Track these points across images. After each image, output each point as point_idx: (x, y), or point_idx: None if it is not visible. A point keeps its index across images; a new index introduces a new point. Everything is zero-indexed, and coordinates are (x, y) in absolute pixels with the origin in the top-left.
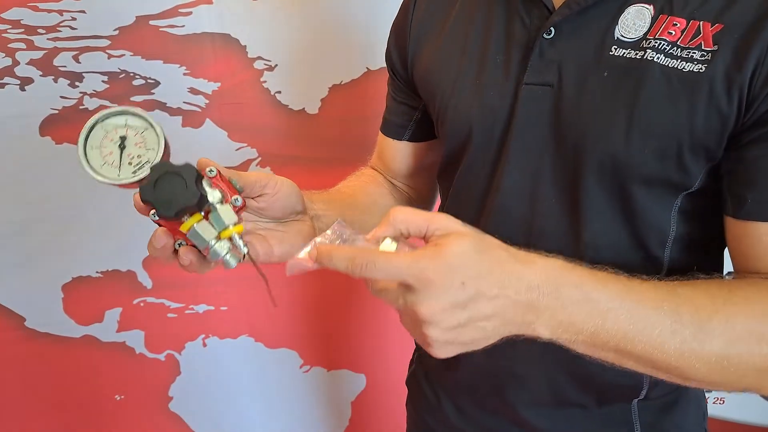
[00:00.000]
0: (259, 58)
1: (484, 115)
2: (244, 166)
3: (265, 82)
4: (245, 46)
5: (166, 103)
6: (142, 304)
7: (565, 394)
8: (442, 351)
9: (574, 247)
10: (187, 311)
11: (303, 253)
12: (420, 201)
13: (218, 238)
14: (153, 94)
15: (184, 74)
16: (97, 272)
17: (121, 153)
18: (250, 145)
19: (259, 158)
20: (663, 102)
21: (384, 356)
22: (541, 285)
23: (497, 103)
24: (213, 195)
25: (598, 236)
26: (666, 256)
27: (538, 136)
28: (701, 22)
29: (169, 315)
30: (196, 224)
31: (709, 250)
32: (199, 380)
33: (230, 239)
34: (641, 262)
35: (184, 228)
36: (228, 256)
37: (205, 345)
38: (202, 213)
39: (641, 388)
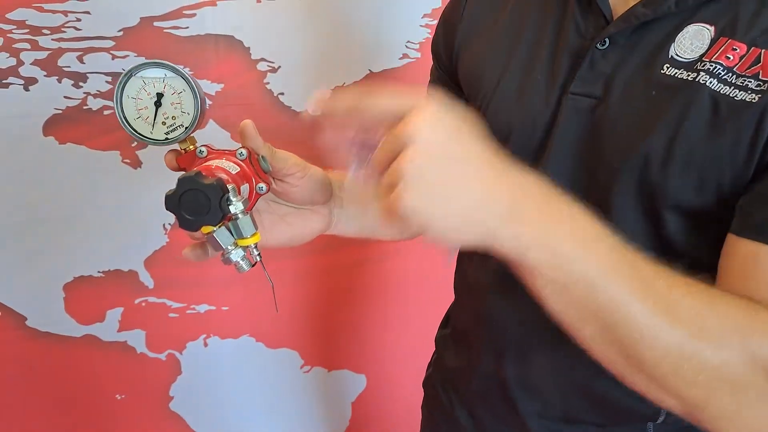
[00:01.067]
0: (263, 59)
1: (525, 120)
2: None
3: (268, 83)
4: (249, 47)
5: None
6: (143, 304)
7: (577, 411)
8: (411, 187)
9: None
10: (188, 311)
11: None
12: None
13: (235, 245)
14: None
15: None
16: (98, 272)
17: (156, 110)
18: None
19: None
20: (708, 130)
21: (385, 357)
22: (533, 189)
23: (539, 110)
24: (236, 206)
25: None
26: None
27: (576, 148)
28: (762, 51)
29: (171, 315)
30: (215, 231)
31: None
32: (200, 380)
33: (246, 247)
34: None
35: (203, 231)
36: (242, 262)
37: (206, 345)
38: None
39: (659, 414)
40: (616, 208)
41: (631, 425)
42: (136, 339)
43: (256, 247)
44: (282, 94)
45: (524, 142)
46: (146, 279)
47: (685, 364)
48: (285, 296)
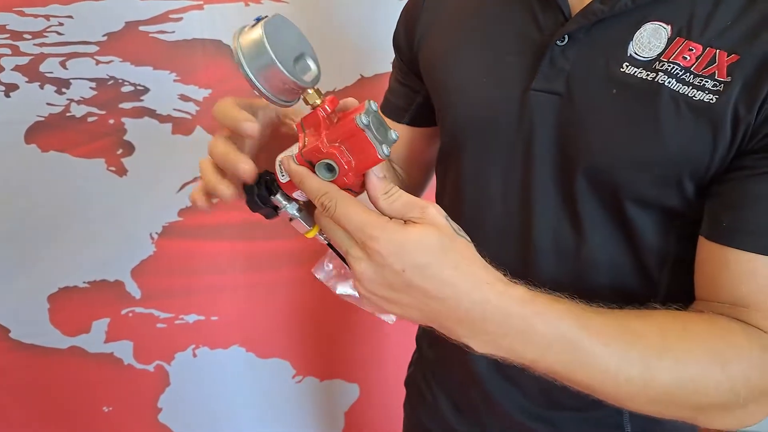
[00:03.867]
0: None
1: (488, 115)
2: None
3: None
4: None
5: (155, 110)
6: (130, 315)
7: (558, 399)
8: (364, 300)
9: (574, 264)
10: (176, 321)
11: (285, 153)
12: (412, 187)
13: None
14: (142, 101)
15: (175, 81)
16: (84, 282)
17: None
18: None
19: None
20: (668, 128)
21: (377, 365)
22: (489, 308)
23: (502, 106)
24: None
25: (598, 253)
26: (664, 278)
27: (540, 145)
28: (717, 51)
29: (159, 325)
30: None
31: None
32: (189, 391)
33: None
34: (639, 284)
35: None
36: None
37: (195, 355)
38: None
39: None
40: (583, 202)
41: (609, 408)
42: (124, 350)
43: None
44: None
45: (487, 137)
46: (133, 289)
47: (672, 405)
48: (275, 305)
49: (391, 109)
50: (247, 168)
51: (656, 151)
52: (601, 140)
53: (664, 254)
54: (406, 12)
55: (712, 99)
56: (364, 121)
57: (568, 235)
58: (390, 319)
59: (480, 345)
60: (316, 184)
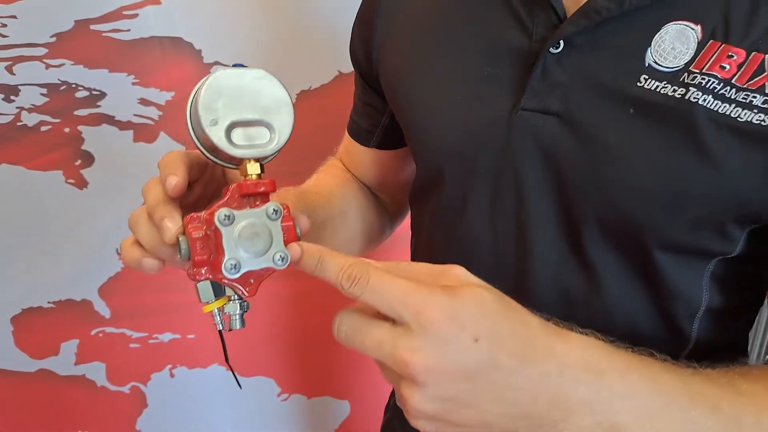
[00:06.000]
0: (216, 63)
1: (465, 142)
2: None
3: None
4: (200, 50)
5: (114, 117)
6: (101, 335)
7: None
8: (416, 422)
9: (584, 311)
10: (150, 341)
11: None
12: (394, 208)
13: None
14: (99, 107)
15: (133, 83)
16: (48, 302)
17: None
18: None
19: None
20: (707, 159)
21: (368, 380)
22: (577, 367)
23: (484, 128)
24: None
25: (615, 303)
26: (694, 329)
27: (533, 176)
28: (767, 56)
29: (132, 345)
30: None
31: (740, 323)
32: (168, 413)
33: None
34: (664, 335)
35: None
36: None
37: (172, 375)
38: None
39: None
40: (594, 246)
41: None
42: (96, 372)
43: (220, 313)
44: None
45: (466, 169)
46: (102, 308)
47: None
48: (259, 321)
49: (357, 131)
50: (170, 227)
51: (691, 186)
52: (616, 173)
53: (695, 303)
54: (360, 17)
55: (763, 120)
56: (221, 219)
57: (576, 282)
58: None
59: (577, 429)
60: (340, 258)
